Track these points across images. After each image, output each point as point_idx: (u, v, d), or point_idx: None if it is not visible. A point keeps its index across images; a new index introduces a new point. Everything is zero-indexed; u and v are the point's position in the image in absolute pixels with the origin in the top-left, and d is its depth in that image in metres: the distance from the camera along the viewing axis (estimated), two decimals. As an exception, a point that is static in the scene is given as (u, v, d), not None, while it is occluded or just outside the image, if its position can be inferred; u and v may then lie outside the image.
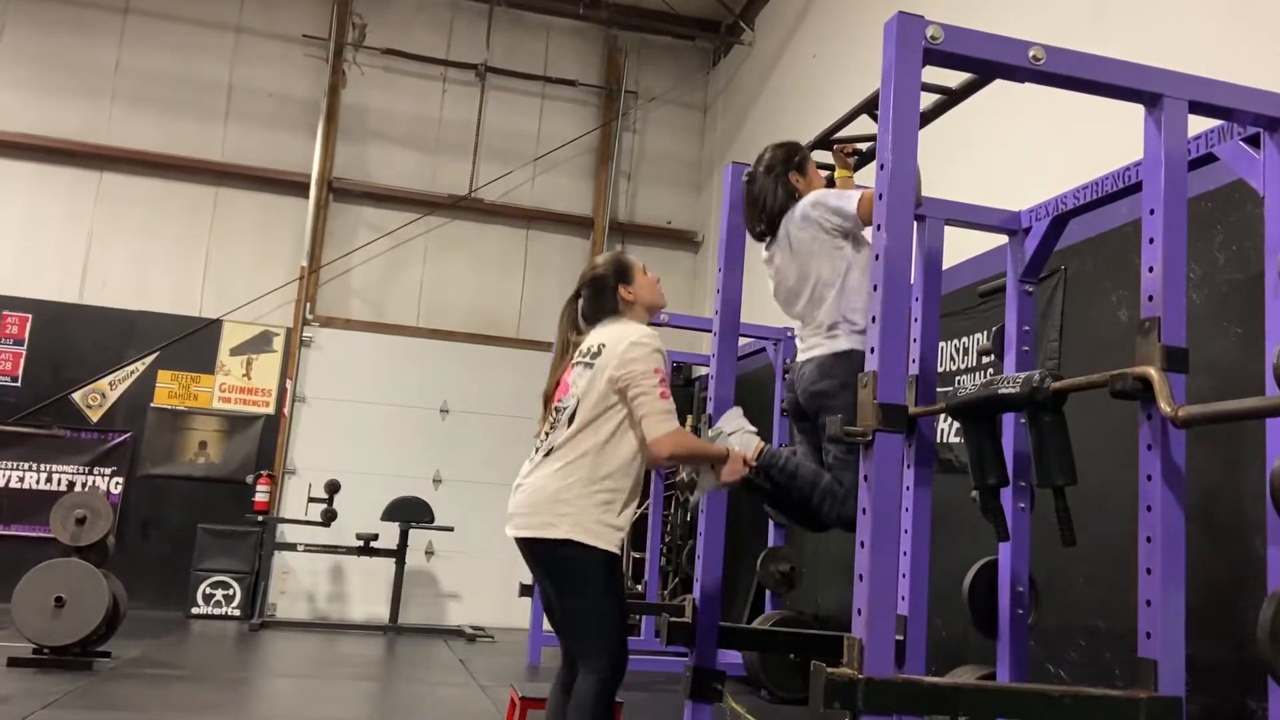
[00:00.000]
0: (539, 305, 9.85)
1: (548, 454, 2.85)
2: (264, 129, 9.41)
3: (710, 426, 3.23)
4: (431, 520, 8.39)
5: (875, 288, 2.51)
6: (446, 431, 9.34)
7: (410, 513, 8.34)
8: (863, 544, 2.41)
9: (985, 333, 5.12)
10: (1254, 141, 2.95)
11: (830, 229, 3.09)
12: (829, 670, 2.32)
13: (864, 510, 2.43)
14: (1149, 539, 2.58)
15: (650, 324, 3.11)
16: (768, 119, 8.84)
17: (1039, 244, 3.84)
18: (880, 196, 2.54)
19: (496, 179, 9.66)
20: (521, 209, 9.83)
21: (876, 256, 2.52)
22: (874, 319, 2.50)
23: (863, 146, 3.44)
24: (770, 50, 8.92)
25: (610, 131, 10.04)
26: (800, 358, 3.22)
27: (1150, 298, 2.68)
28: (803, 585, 6.23)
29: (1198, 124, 2.86)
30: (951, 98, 2.95)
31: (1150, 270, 2.69)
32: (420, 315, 9.61)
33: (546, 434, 2.92)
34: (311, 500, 8.22)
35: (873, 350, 2.48)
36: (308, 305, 9.21)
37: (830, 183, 3.51)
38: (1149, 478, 2.61)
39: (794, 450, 3.26)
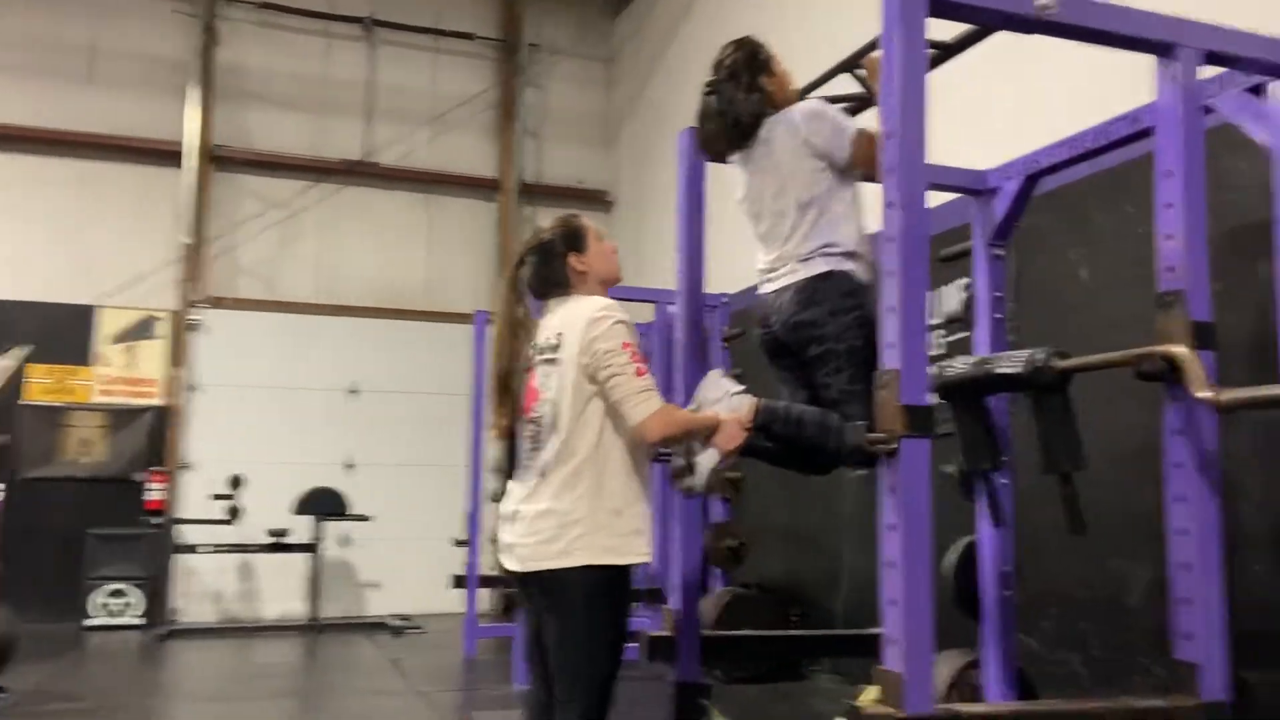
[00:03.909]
0: (445, 274, 9.35)
1: (542, 475, 2.47)
2: (133, 95, 8.58)
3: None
4: (346, 511, 7.91)
5: (890, 273, 2.22)
6: (357, 413, 8.81)
7: (324, 505, 7.85)
8: (892, 564, 2.15)
9: (935, 294, 4.93)
10: (1257, 92, 2.75)
11: (815, 149, 2.75)
12: (867, 713, 2.06)
13: (891, 526, 2.16)
14: (1184, 532, 2.39)
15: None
16: (680, 69, 8.47)
17: (1009, 205, 3.63)
18: (890, 171, 2.24)
19: (392, 142, 9.07)
20: (421, 172, 9.27)
21: (890, 239, 2.23)
22: (891, 309, 2.21)
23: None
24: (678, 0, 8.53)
25: (512, 88, 9.53)
26: (768, 288, 2.86)
27: (1171, 268, 2.46)
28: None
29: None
30: (945, 53, 2.67)
31: (1169, 239, 2.47)
32: (318, 290, 9.01)
33: (532, 450, 2.54)
34: (214, 497, 7.65)
35: (891, 346, 2.20)
36: (193, 286, 8.52)
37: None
38: (1179, 465, 2.41)
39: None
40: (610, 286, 2.72)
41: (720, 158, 3.00)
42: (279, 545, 7.73)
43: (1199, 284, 2.43)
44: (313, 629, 7.68)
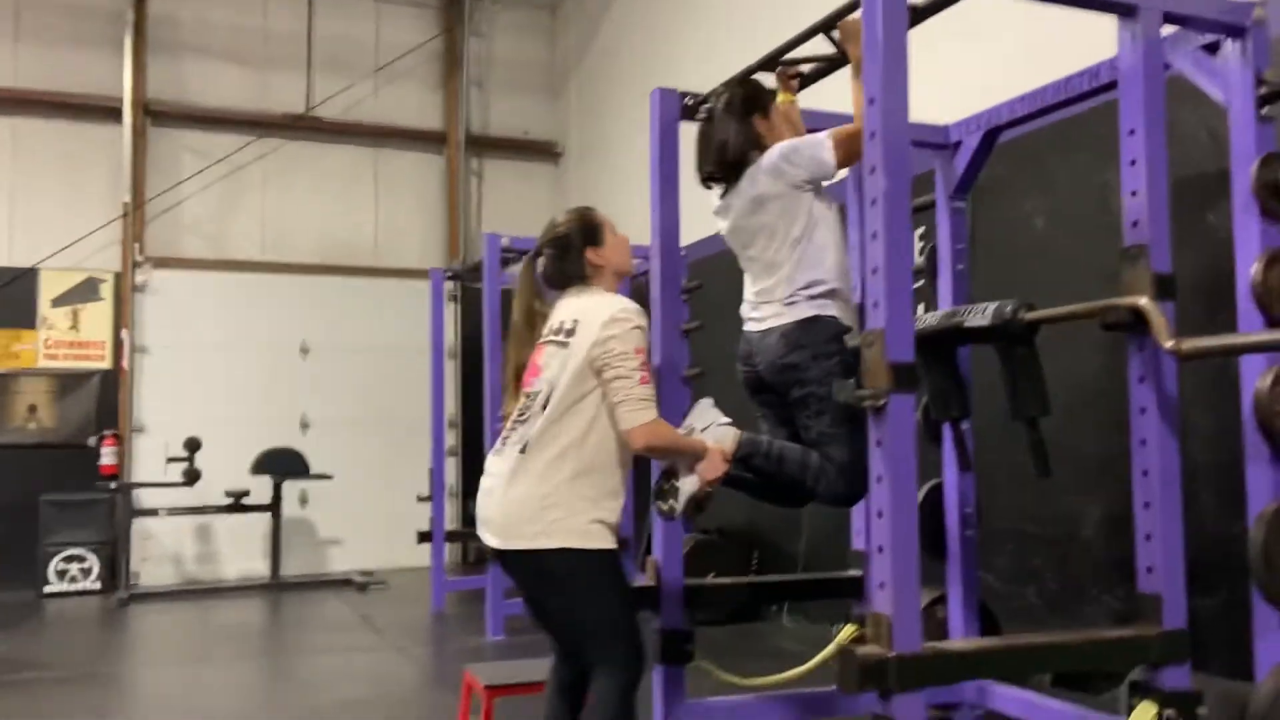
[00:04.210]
0: (394, 230, 9.25)
1: (523, 450, 2.52)
2: (62, 48, 8.27)
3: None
4: (307, 471, 7.90)
5: (875, 235, 2.31)
6: (309, 372, 8.74)
7: (283, 465, 7.82)
8: (880, 514, 2.26)
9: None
10: (1211, 50, 2.86)
11: (799, 184, 2.84)
12: (860, 651, 2.18)
13: (879, 478, 2.27)
14: (1145, 473, 2.54)
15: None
16: (629, 19, 8.42)
17: (970, 159, 3.74)
18: (872, 135, 2.32)
19: (335, 94, 8.87)
20: (366, 126, 9.10)
21: (874, 201, 2.31)
22: (875, 270, 2.30)
23: (805, 69, 3.18)
24: (624, -55, 8.43)
25: (455, 37, 9.37)
26: (753, 328, 2.96)
27: (1135, 223, 2.58)
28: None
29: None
30: (916, 15, 2.72)
31: (1134, 195, 2.59)
32: (265, 249, 8.86)
33: (516, 424, 2.60)
34: (170, 460, 7.56)
35: (876, 305, 2.29)
36: (136, 246, 8.32)
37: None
38: (1142, 410, 2.56)
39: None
40: (623, 278, 2.79)
41: (711, 183, 3.05)
42: (239, 506, 7.69)
43: (1161, 238, 2.56)
44: (275, 588, 7.70)
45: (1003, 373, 2.96)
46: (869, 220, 2.31)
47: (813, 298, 2.83)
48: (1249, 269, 2.65)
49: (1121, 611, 3.89)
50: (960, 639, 3.48)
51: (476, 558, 5.66)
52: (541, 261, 2.73)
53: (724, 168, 2.95)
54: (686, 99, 3.31)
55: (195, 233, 8.67)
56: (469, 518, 8.27)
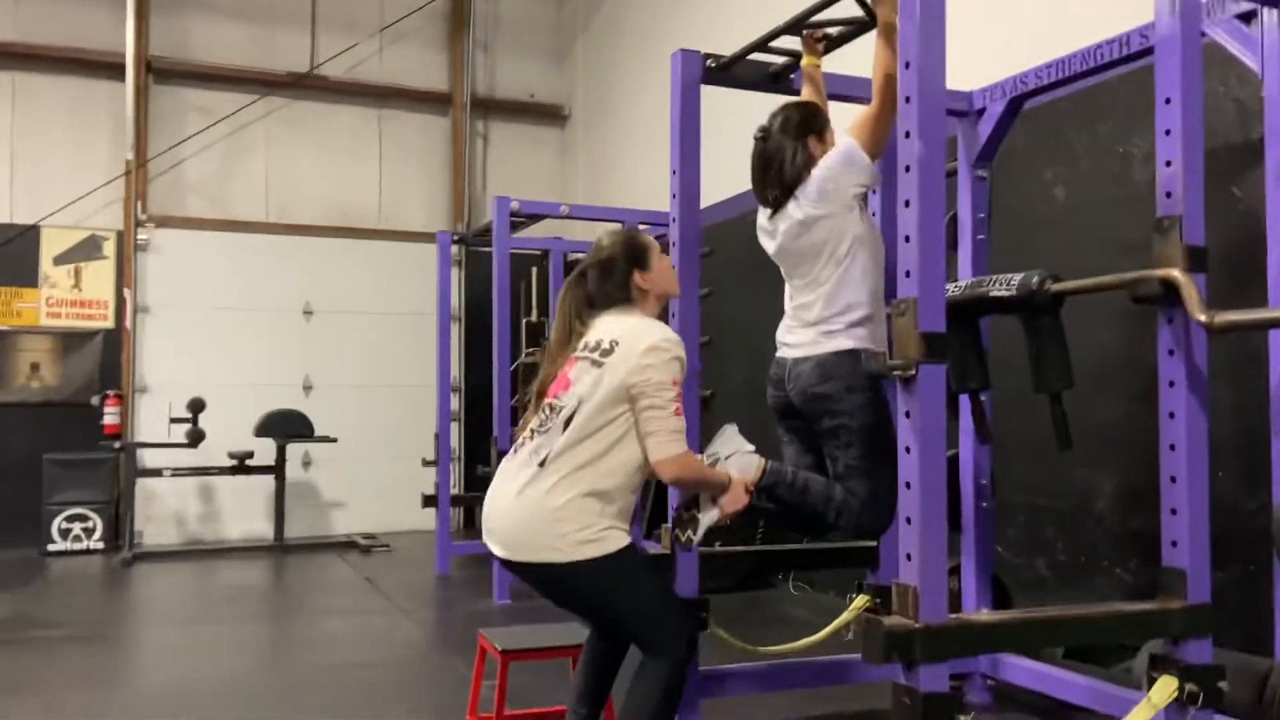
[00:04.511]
0: (399, 192, 9.17)
1: (542, 464, 2.48)
2: (64, 2, 8.15)
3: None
4: (311, 433, 7.87)
5: (907, 203, 2.27)
6: (312, 334, 8.70)
7: (288, 426, 7.79)
8: (908, 485, 2.24)
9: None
10: (1247, 19, 2.81)
11: (848, 202, 2.82)
12: (887, 622, 2.17)
13: (907, 449, 2.25)
14: (1172, 447, 2.51)
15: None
16: (637, -19, 8.29)
17: (994, 127, 3.69)
18: (907, 100, 2.27)
19: (340, 53, 8.76)
20: (371, 86, 9.00)
21: (907, 168, 2.27)
22: (906, 239, 2.26)
23: (833, 31, 3.12)
24: (635, -96, 8.29)
25: (463, -4, 9.24)
26: (790, 354, 2.94)
27: (1169, 194, 2.54)
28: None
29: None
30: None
31: (1168, 165, 2.54)
32: (269, 209, 8.78)
33: (535, 433, 2.55)
34: (174, 420, 7.54)
35: (909, 274, 2.25)
36: (139, 204, 8.24)
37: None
38: (1171, 384, 2.53)
39: (792, 462, 3.04)
40: (667, 301, 2.78)
41: (769, 204, 3.00)
42: (243, 468, 7.68)
43: (1195, 209, 2.52)
44: (279, 549, 7.70)
45: (1027, 345, 2.94)
46: (903, 187, 2.27)
47: (850, 325, 2.82)
48: (1281, 243, 2.61)
49: (1134, 585, 3.90)
50: (984, 611, 3.47)
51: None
52: (585, 281, 2.69)
53: (781, 189, 2.92)
54: (709, 60, 3.25)
55: (198, 192, 8.59)
56: (473, 481, 8.29)
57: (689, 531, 2.68)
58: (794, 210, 2.89)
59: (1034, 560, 4.34)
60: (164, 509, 8.17)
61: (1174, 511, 2.50)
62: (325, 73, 8.77)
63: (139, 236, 8.23)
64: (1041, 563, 4.32)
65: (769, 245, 3.03)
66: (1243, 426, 3.37)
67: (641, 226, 6.32)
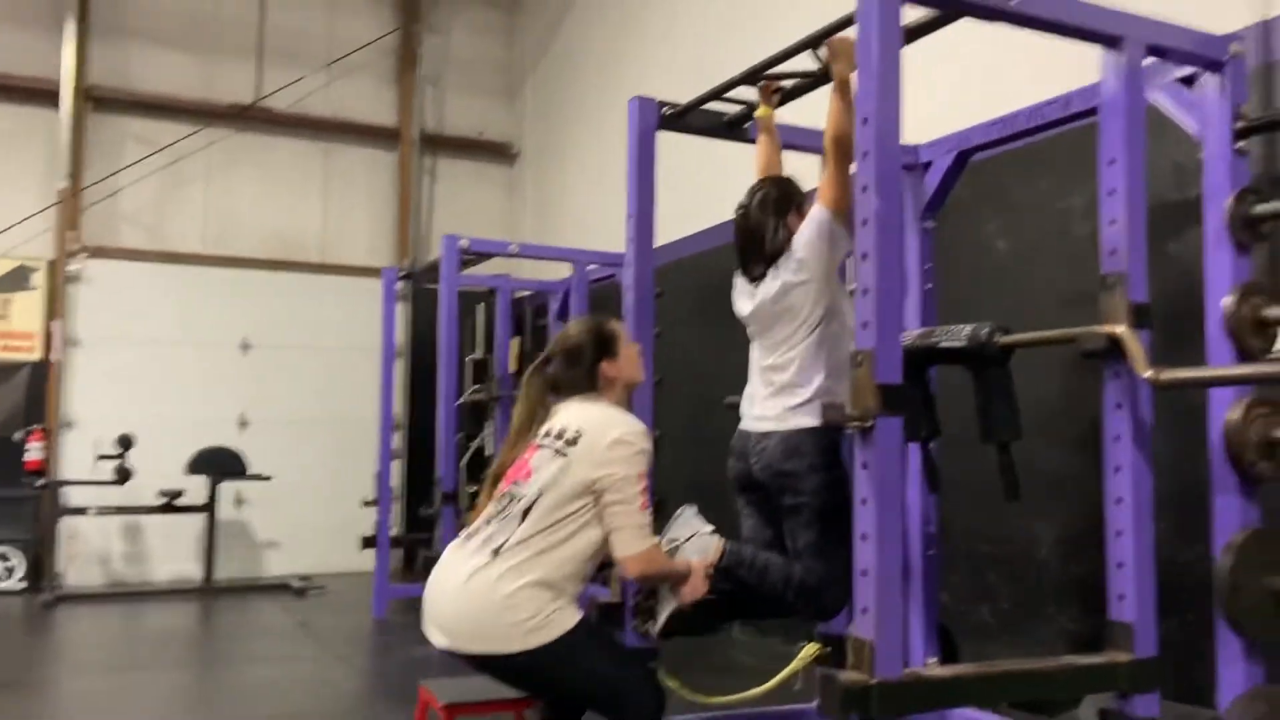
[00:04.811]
0: (342, 226, 9.06)
1: (495, 551, 2.44)
2: (4, 28, 7.96)
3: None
4: (245, 471, 7.67)
5: (865, 256, 2.29)
6: (249, 369, 8.50)
7: (221, 464, 7.58)
8: (865, 537, 2.24)
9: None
10: (1188, 83, 2.91)
11: (829, 270, 2.86)
12: (843, 677, 2.16)
13: (864, 500, 2.25)
14: (1119, 500, 2.56)
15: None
16: (588, 23, 8.36)
17: (941, 180, 3.76)
18: (865, 154, 2.30)
19: (286, 85, 8.67)
20: (317, 119, 8.90)
21: (864, 222, 2.29)
22: (865, 291, 2.28)
23: (787, 84, 3.17)
24: (588, -52, 8.37)
25: (412, 33, 9.22)
26: (756, 426, 2.95)
27: (1113, 252, 2.60)
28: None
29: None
30: (908, 36, 2.71)
31: (1112, 223, 2.61)
32: (207, 241, 8.61)
33: (491, 519, 2.52)
34: (101, 457, 7.29)
35: (866, 325, 2.27)
36: (70, 234, 8.03)
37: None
38: (1117, 438, 2.57)
39: (749, 540, 3.04)
40: (633, 389, 2.77)
41: (753, 278, 3.04)
42: (172, 507, 7.45)
43: (1138, 267, 2.58)
44: (208, 591, 7.47)
45: (975, 395, 2.98)
46: (860, 240, 2.29)
47: (813, 399, 2.82)
48: (1220, 301, 2.68)
49: (1075, 632, 3.94)
50: (935, 663, 3.48)
51: (424, 565, 5.51)
52: (550, 369, 2.67)
53: (765, 262, 2.96)
54: (664, 108, 3.27)
55: (134, 222, 8.40)
56: (416, 522, 8.12)
57: (648, 623, 2.68)
58: (773, 278, 2.93)
59: (978, 607, 4.37)
60: (88, 549, 7.87)
61: (1120, 565, 2.54)
62: (270, 105, 8.67)
63: (70, 267, 8.00)
64: (985, 609, 4.35)
65: (745, 307, 3.05)
66: (1179, 479, 3.44)
67: (590, 266, 6.34)
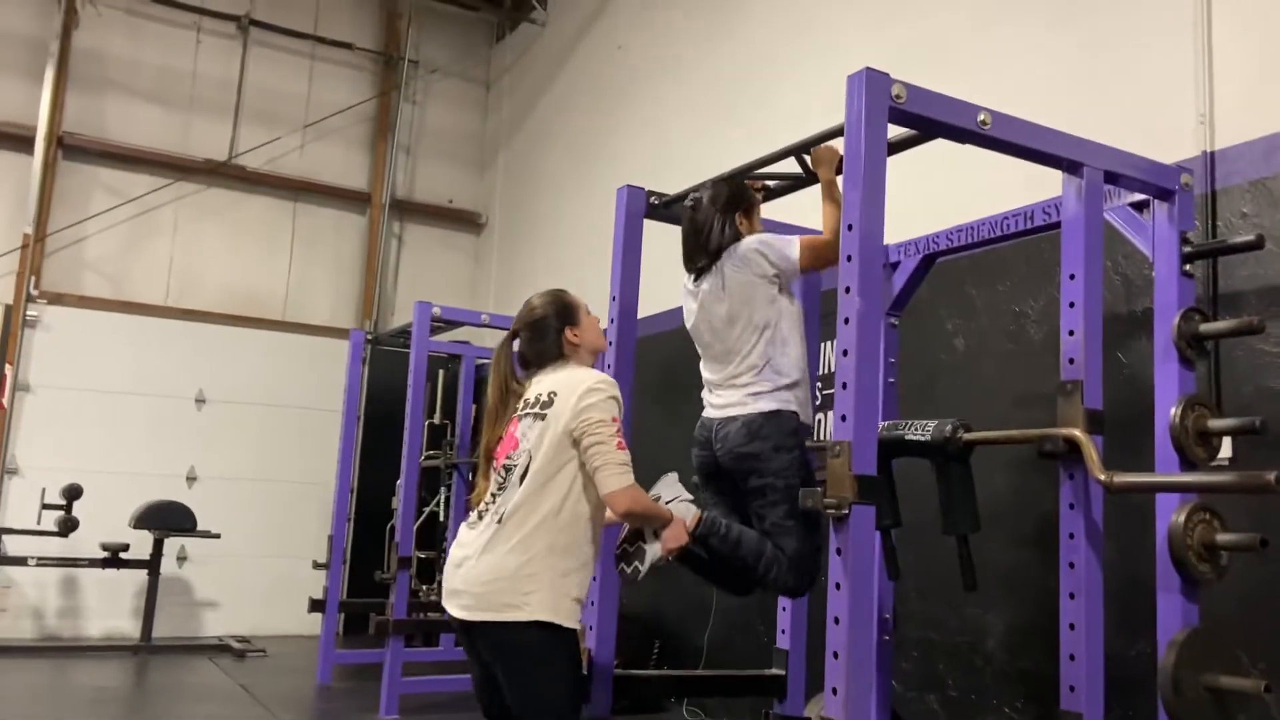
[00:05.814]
0: (306, 285, 9.10)
1: (500, 520, 2.55)
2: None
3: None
4: (193, 527, 7.55)
5: (845, 353, 2.43)
6: (203, 424, 8.43)
7: (168, 519, 7.46)
8: (837, 620, 2.34)
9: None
10: (1139, 208, 3.14)
11: (767, 275, 2.99)
12: (812, 758, 2.23)
13: (837, 585, 2.36)
14: (1072, 595, 2.69)
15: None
16: (563, 103, 8.61)
17: (907, 280, 3.95)
18: (849, 258, 2.46)
19: (261, 145, 8.77)
20: (289, 179, 9.00)
21: (846, 320, 2.44)
22: (844, 385, 2.42)
23: (771, 183, 3.35)
24: (567, 33, 8.67)
25: (389, 102, 9.40)
26: (715, 414, 3.07)
27: (1071, 360, 2.78)
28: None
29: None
30: (891, 149, 2.91)
31: (1071, 334, 2.79)
32: (170, 293, 8.58)
33: (494, 495, 2.62)
34: (45, 506, 7.15)
35: (845, 419, 2.40)
36: (32, 279, 7.97)
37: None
38: (1071, 536, 2.72)
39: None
40: (597, 355, 2.87)
41: (695, 271, 3.17)
42: (116, 560, 7.29)
43: (1095, 376, 2.76)
44: (145, 649, 7.28)
45: (938, 488, 3.12)
46: (841, 338, 2.44)
47: (777, 389, 2.96)
48: (1168, 412, 2.86)
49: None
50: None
51: (377, 630, 5.47)
52: (518, 342, 2.78)
53: (708, 256, 3.08)
54: (652, 197, 3.43)
55: (97, 271, 8.36)
56: (368, 587, 7.99)
57: (635, 564, 2.74)
58: (717, 274, 3.05)
59: (926, 694, 4.47)
60: (21, 600, 7.66)
61: (1072, 657, 2.66)
62: (244, 162, 8.75)
63: (29, 312, 7.93)
64: (933, 698, 4.45)
65: (690, 309, 3.17)
66: (1124, 576, 3.61)
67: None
